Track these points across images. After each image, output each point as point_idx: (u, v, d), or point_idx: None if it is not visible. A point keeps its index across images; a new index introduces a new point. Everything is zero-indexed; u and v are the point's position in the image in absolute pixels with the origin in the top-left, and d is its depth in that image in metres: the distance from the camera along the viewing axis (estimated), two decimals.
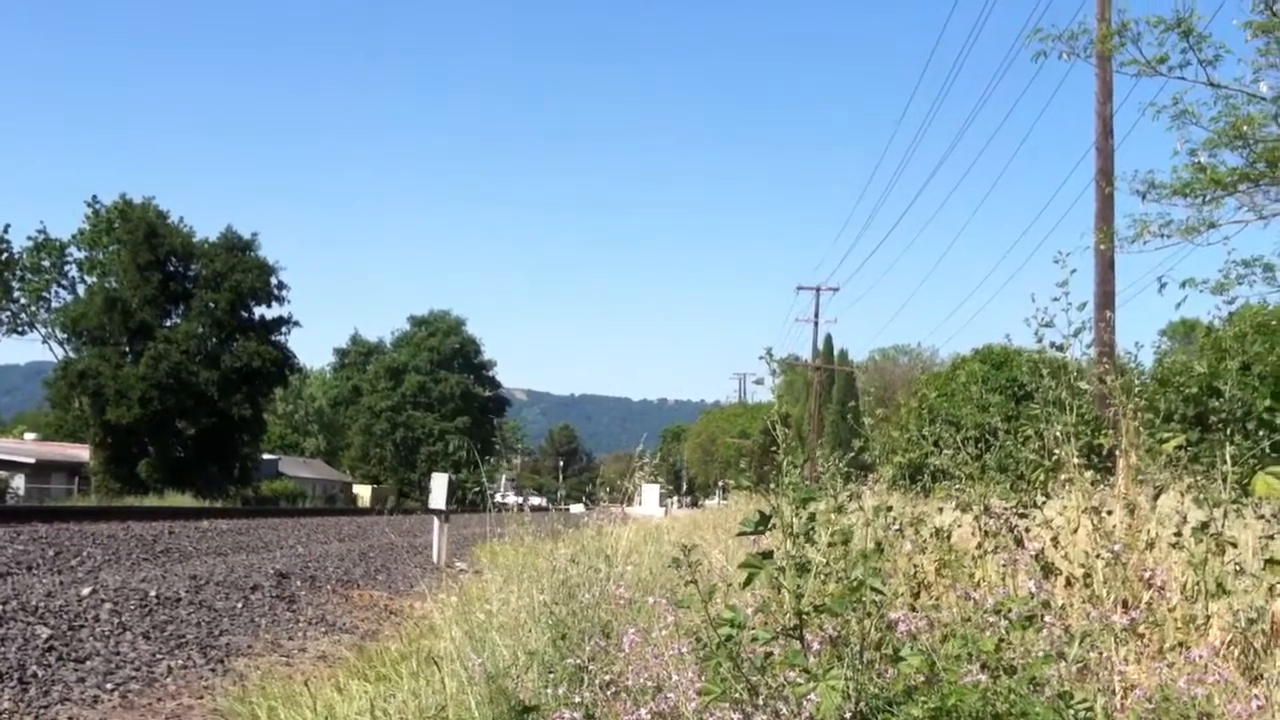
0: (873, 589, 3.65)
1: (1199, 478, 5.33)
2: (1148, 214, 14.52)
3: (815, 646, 3.65)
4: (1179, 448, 5.60)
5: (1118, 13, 13.87)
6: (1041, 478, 5.81)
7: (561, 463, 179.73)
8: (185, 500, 46.79)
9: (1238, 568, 4.94)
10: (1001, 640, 3.64)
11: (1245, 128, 13.21)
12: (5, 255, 66.46)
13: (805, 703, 3.31)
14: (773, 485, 4.38)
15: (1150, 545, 5.15)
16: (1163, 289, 13.38)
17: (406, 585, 15.17)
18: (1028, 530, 5.44)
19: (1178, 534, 5.01)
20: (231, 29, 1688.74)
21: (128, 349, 61.60)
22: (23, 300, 67.99)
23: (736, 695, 3.52)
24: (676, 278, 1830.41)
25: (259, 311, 67.80)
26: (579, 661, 4.88)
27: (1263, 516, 5.11)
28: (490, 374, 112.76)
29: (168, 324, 63.80)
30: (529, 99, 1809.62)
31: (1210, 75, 12.99)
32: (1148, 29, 13.02)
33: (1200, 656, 3.72)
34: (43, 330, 68.44)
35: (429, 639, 8.20)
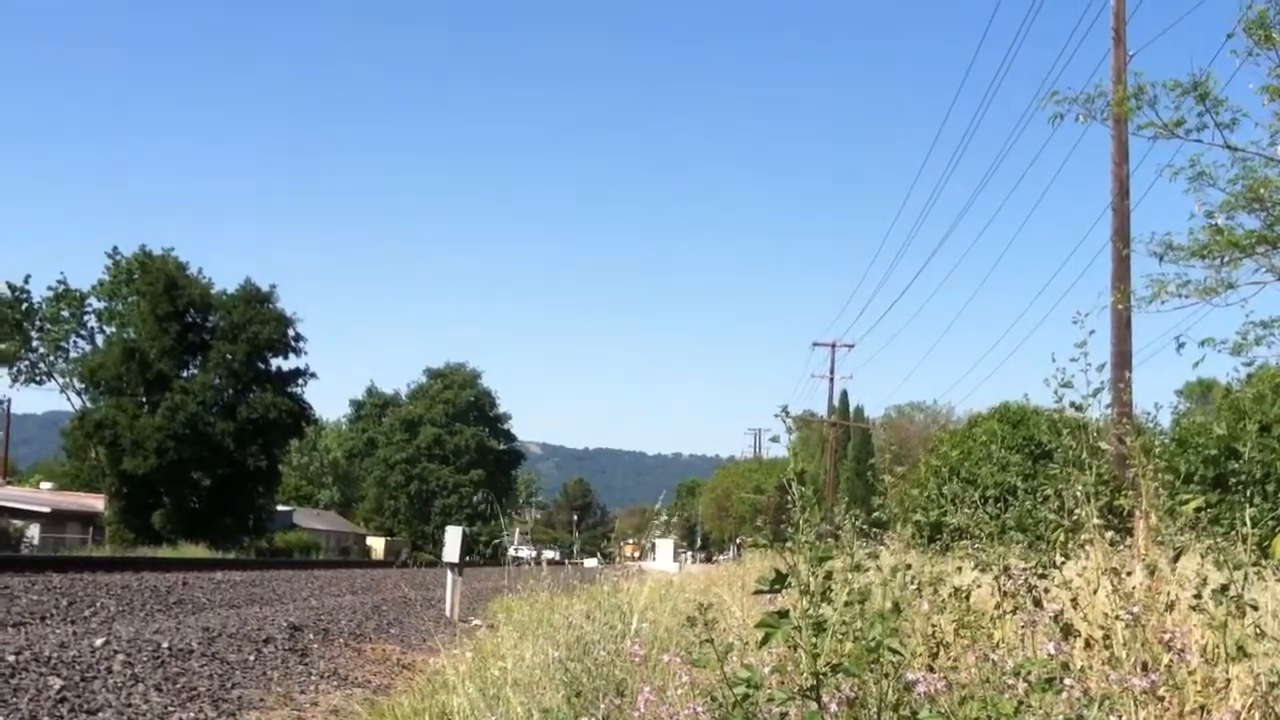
0: (890, 649, 3.63)
1: (1219, 539, 5.30)
2: (1165, 274, 14.52)
3: (832, 707, 3.62)
4: (1199, 509, 5.58)
5: (1134, 76, 13.95)
6: (1061, 538, 5.79)
7: (576, 516, 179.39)
8: (199, 551, 46.79)
9: (1259, 630, 4.90)
10: (1021, 703, 3.61)
11: (1263, 190, 13.23)
12: (25, 305, 66.96)
13: None
14: (789, 543, 4.37)
15: (1170, 607, 5.11)
16: (1181, 349, 13.35)
17: (420, 639, 15.10)
18: (1047, 591, 5.41)
19: (1198, 596, 4.97)
20: (252, 84, 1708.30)
21: (145, 399, 61.84)
22: (41, 350, 68.43)
23: None
24: (692, 333, 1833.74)
25: (276, 363, 68.20)
26: None
27: None
28: (505, 427, 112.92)
29: (185, 375, 64.08)
30: (551, 160, 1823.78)
31: (1227, 138, 13.04)
32: (1164, 92, 13.09)
33: None
34: (60, 380, 68.86)
35: (442, 694, 8.15)
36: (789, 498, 4.67)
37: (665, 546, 68.78)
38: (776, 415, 4.84)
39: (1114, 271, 18.41)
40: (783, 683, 3.78)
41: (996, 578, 5.54)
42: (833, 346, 61.18)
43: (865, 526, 6.25)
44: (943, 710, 3.58)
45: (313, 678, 11.12)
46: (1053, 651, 3.92)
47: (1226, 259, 13.84)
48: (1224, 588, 4.88)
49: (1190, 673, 4.74)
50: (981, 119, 35.70)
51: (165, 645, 11.00)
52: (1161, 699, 4.33)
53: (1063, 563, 5.66)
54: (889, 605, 4.67)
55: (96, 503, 64.33)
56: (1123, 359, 17.83)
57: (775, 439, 5.54)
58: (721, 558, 75.69)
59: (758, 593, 3.66)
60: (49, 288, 68.34)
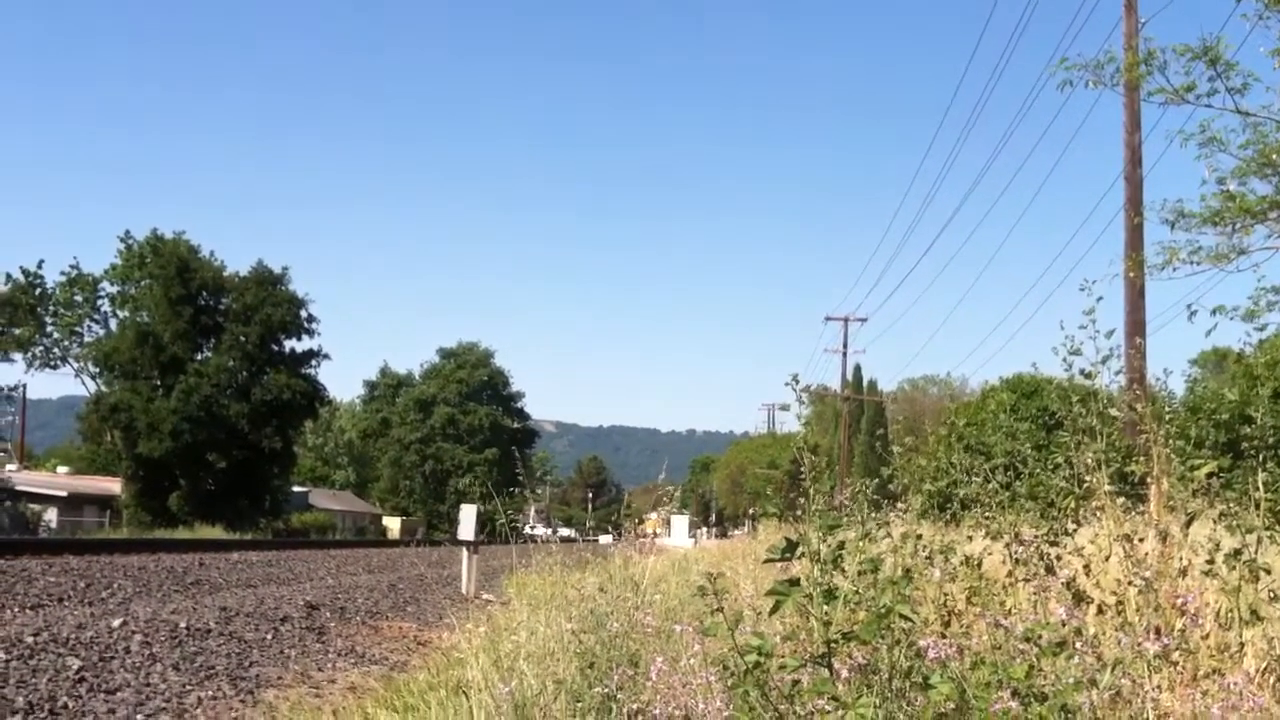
0: (901, 616, 3.63)
1: (1231, 504, 5.29)
2: (1176, 241, 14.43)
3: (844, 674, 3.62)
4: (1211, 475, 5.56)
5: (1144, 41, 13.83)
6: (1072, 505, 5.78)
7: (590, 494, 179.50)
8: (216, 532, 46.94)
9: (1272, 594, 4.89)
10: (1032, 667, 3.61)
11: (1275, 155, 13.13)
12: (39, 290, 67.10)
13: None
14: (799, 513, 4.37)
15: (1183, 572, 5.11)
16: (1193, 316, 13.28)
17: (435, 616, 15.15)
18: (1059, 558, 5.41)
19: (1210, 561, 4.96)
20: (263, 68, 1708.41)
21: (159, 383, 61.95)
22: (55, 335, 68.59)
23: None
24: (706, 309, 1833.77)
25: (289, 345, 68.12)
26: (607, 690, 4.87)
27: None
28: (519, 406, 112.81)
29: (199, 358, 64.13)
30: (561, 138, 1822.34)
31: (1238, 103, 12.92)
32: (1174, 57, 12.97)
33: (1235, 684, 3.68)
34: (75, 365, 69.04)
35: (457, 669, 8.18)
36: (801, 469, 4.67)
37: (680, 522, 69.01)
38: (787, 384, 4.83)
39: (1127, 240, 18.35)
40: (795, 651, 3.79)
41: (1008, 545, 5.54)
42: (845, 321, 60.98)
43: (877, 497, 6.24)
44: (954, 676, 3.58)
45: (330, 656, 11.17)
46: (1064, 617, 3.91)
47: (1238, 225, 13.75)
48: (1237, 552, 4.88)
49: (1204, 637, 4.74)
50: (993, 90, 35.52)
51: (183, 625, 11.06)
52: (1175, 663, 4.33)
53: (1074, 530, 5.66)
54: (900, 572, 4.68)
55: (113, 486, 64.56)
56: (1136, 327, 17.78)
57: (786, 407, 5.56)
58: (736, 533, 75.82)
59: (768, 561, 3.66)
60: (62, 273, 68.49)
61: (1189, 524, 5.31)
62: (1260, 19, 12.29)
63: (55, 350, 68.84)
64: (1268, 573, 4.89)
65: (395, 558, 30.74)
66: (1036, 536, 5.50)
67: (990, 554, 5.89)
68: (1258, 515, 5.08)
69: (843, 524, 4.29)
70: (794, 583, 3.56)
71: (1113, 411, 5.85)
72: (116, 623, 10.63)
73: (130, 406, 59.01)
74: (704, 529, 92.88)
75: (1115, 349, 5.88)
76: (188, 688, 8.70)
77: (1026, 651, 3.75)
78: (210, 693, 8.66)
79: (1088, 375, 5.81)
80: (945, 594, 5.64)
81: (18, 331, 66.66)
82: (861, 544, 5.07)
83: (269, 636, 11.57)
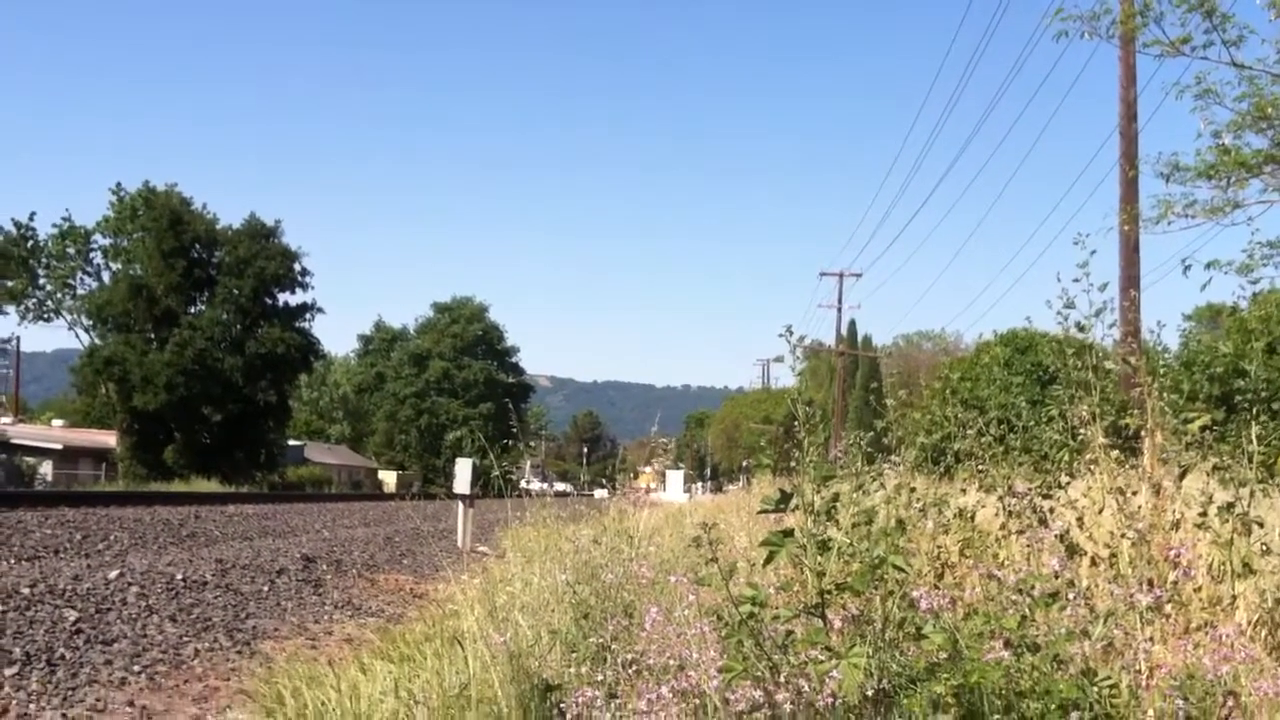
0: (895, 567, 3.65)
1: (1224, 458, 5.30)
2: (1171, 194, 14.40)
3: (837, 625, 3.64)
4: (1204, 428, 5.56)
5: None
6: (1066, 459, 5.79)
7: (585, 449, 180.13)
8: (211, 485, 47.00)
9: (1264, 547, 4.91)
10: (1025, 618, 3.63)
11: (1270, 109, 13.08)
12: (31, 243, 66.70)
13: (827, 680, 3.30)
14: (793, 464, 4.38)
15: (1176, 525, 5.12)
16: (1187, 270, 13.28)
17: (431, 569, 15.20)
18: (1052, 511, 5.42)
19: (1203, 514, 4.98)
20: (255, 22, 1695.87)
21: (153, 336, 61.84)
22: (48, 287, 68.19)
23: (758, 673, 3.53)
24: (701, 264, 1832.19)
25: (283, 298, 68.00)
26: (601, 640, 4.89)
27: None
28: (514, 360, 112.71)
29: (192, 311, 64.03)
30: (553, 89, 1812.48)
31: (1234, 56, 12.84)
32: (1170, 8, 12.87)
33: (1227, 635, 3.70)
34: (68, 317, 68.68)
35: (453, 620, 8.22)
36: (796, 423, 4.67)
37: (675, 477, 69.19)
38: (781, 335, 4.82)
39: (1121, 194, 18.32)
40: (788, 602, 3.80)
41: (1001, 498, 5.55)
42: (840, 276, 60.96)
43: (871, 450, 6.25)
44: (947, 626, 3.60)
45: (326, 608, 11.22)
46: (1057, 569, 3.93)
47: (1233, 179, 13.71)
48: (1229, 505, 4.89)
49: (1196, 590, 4.77)
50: (989, 43, 35.31)
51: (179, 577, 11.09)
52: (1167, 615, 4.35)
53: (1068, 483, 5.67)
54: (893, 524, 4.69)
55: (108, 439, 64.60)
56: (1131, 281, 17.81)
57: (780, 359, 5.54)
58: (731, 487, 76.03)
59: (763, 512, 3.67)
60: (54, 225, 68.01)
61: (1182, 477, 5.31)
62: None
63: (48, 303, 68.49)
64: (1260, 526, 4.90)
65: (391, 511, 30.82)
66: (1030, 489, 5.51)
67: (983, 507, 5.91)
68: (1250, 468, 5.08)
69: (837, 476, 4.30)
70: (788, 534, 3.57)
71: (1107, 365, 5.84)
72: (113, 574, 10.67)
73: (124, 360, 58.93)
74: (699, 483, 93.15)
75: (1109, 302, 5.86)
76: (184, 639, 8.74)
77: (1019, 603, 3.76)
78: (207, 644, 8.70)
79: (1082, 329, 5.80)
80: (938, 546, 5.66)
81: (10, 284, 66.34)
82: (855, 496, 5.08)
83: (265, 589, 11.61)
